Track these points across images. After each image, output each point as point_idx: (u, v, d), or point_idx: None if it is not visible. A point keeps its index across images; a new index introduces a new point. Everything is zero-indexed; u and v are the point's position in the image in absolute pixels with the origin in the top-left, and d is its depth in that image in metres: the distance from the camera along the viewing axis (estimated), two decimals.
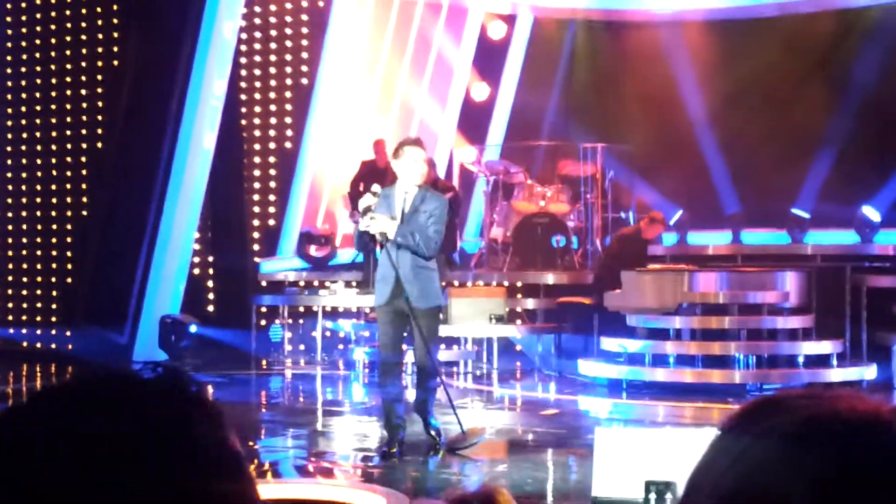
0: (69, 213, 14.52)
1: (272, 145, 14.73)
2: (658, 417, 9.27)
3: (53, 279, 14.61)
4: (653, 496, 4.95)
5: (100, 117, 14.39)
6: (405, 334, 7.26)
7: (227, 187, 14.16)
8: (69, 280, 14.45)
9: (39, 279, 14.70)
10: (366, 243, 7.18)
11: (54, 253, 14.63)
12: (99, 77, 14.41)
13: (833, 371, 10.20)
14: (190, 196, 13.26)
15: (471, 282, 12.82)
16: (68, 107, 14.56)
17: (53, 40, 14.68)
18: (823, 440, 0.80)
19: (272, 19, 14.73)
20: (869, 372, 10.41)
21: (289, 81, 14.75)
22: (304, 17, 14.70)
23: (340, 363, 12.72)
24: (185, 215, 13.24)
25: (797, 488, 0.78)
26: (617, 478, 5.18)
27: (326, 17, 14.56)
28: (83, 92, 14.51)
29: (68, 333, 13.82)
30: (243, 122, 14.66)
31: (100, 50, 14.43)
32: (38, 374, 12.03)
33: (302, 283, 13.83)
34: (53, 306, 14.55)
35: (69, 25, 14.60)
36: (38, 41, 14.82)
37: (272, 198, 14.65)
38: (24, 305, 14.70)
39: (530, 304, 12.84)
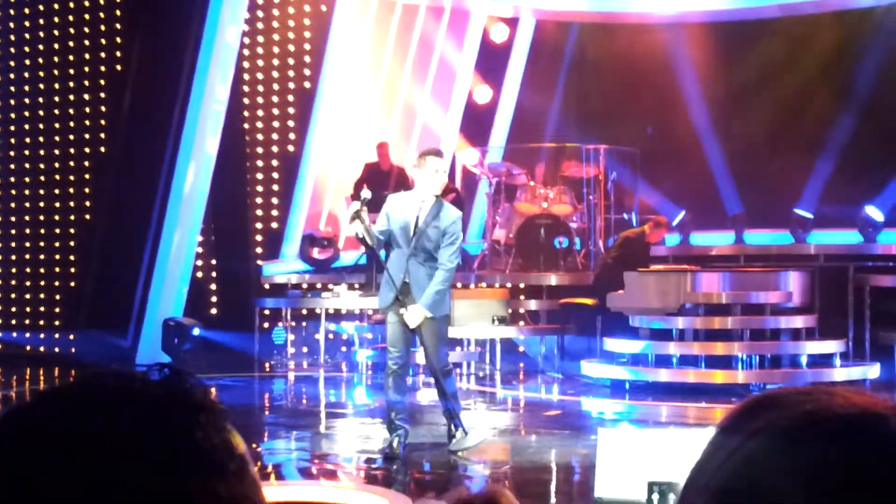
0: (72, 217, 14.54)
1: (275, 149, 14.75)
2: (661, 418, 9.27)
3: (56, 282, 14.63)
4: (656, 496, 4.95)
5: (103, 121, 14.41)
6: (413, 335, 7.29)
7: (229, 191, 14.17)
8: (72, 283, 14.46)
9: (42, 283, 14.71)
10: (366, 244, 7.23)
11: (57, 256, 14.64)
12: (102, 81, 14.43)
13: (836, 371, 10.20)
14: (193, 199, 13.27)
15: (474, 283, 12.82)
16: (71, 111, 14.58)
17: (56, 45, 14.70)
18: (818, 435, 0.80)
19: (275, 24, 14.74)
20: (872, 371, 10.41)
21: (291, 85, 14.77)
22: (307, 22, 14.71)
23: (343, 365, 12.72)
24: (187, 218, 13.25)
25: (791, 483, 0.79)
26: (620, 478, 5.18)
27: (329, 20, 14.57)
28: (86, 96, 14.53)
29: (71, 337, 13.83)
30: (246, 125, 14.68)
31: (103, 54, 14.45)
32: (42, 378, 12.04)
33: (305, 286, 13.83)
34: (56, 310, 14.56)
35: (72, 30, 14.62)
36: (41, 46, 14.84)
37: (275, 201, 14.66)
38: (28, 309, 14.72)
39: (533, 305, 12.85)
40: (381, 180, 12.86)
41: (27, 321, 14.61)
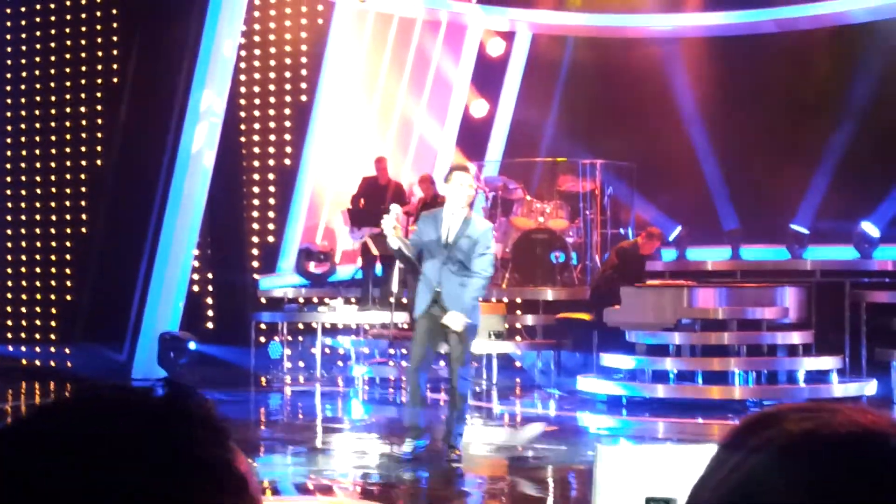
0: (68, 230, 14.52)
1: (271, 162, 14.75)
2: (658, 434, 9.25)
3: (53, 296, 14.60)
4: None
5: (99, 134, 14.41)
6: (438, 351, 7.67)
7: (226, 204, 14.16)
8: (68, 297, 14.44)
9: (39, 296, 14.68)
10: (403, 257, 7.56)
11: (53, 270, 14.62)
12: (99, 94, 14.43)
13: (833, 387, 10.18)
14: (189, 213, 13.26)
15: None
16: (68, 124, 14.58)
17: (53, 57, 14.71)
18: (819, 454, 0.79)
19: (271, 37, 14.76)
20: (869, 387, 10.40)
21: (288, 98, 14.78)
22: (304, 35, 14.73)
23: (340, 380, 12.70)
24: (184, 232, 13.23)
25: (791, 500, 0.78)
26: (617, 495, 5.17)
27: (326, 34, 14.59)
28: (83, 109, 14.54)
29: (67, 350, 13.80)
30: (243, 139, 14.68)
31: (100, 67, 14.46)
32: (38, 392, 12.00)
33: (301, 300, 13.82)
34: (53, 323, 14.53)
35: (69, 43, 14.63)
36: (37, 58, 14.85)
37: (271, 214, 14.65)
38: (24, 322, 14.69)
39: (529, 320, 12.83)
40: (378, 194, 12.86)
41: (23, 334, 14.58)
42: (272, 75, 14.78)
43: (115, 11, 14.45)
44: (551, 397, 11.27)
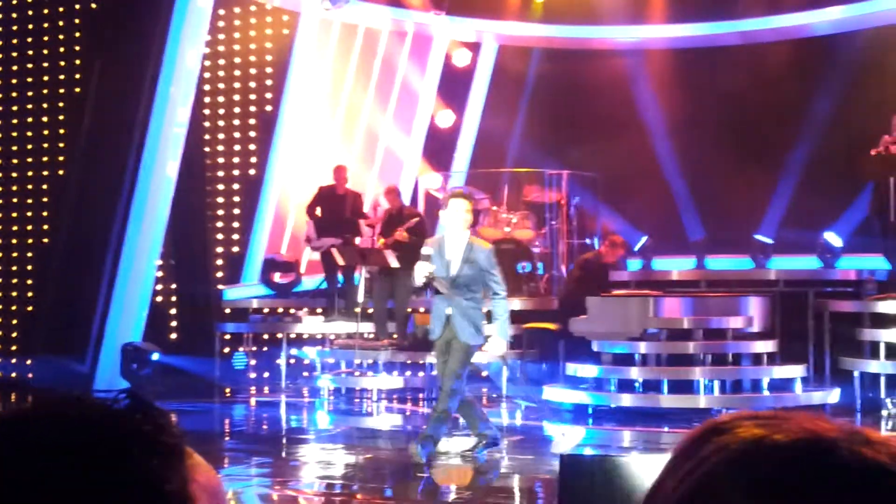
0: (30, 241, 14.38)
1: (236, 172, 14.68)
2: (624, 443, 9.27)
3: (13, 307, 14.45)
4: None
5: (62, 144, 14.28)
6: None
7: (190, 214, 14.07)
8: (29, 308, 14.29)
9: None
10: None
11: (14, 280, 14.47)
12: (61, 104, 14.31)
13: (797, 396, 10.24)
14: (152, 223, 13.17)
15: None
16: (30, 134, 14.44)
17: (15, 67, 14.57)
18: (769, 459, 0.79)
19: (236, 47, 14.71)
20: (832, 396, 10.47)
21: (252, 108, 14.72)
22: (269, 45, 14.69)
23: (305, 391, 12.64)
24: (147, 242, 13.14)
25: None
26: None
27: (290, 44, 14.56)
28: (45, 119, 14.41)
29: (29, 362, 13.65)
30: (207, 149, 14.60)
31: (62, 77, 14.34)
32: None
33: (266, 311, 13.75)
34: (13, 334, 14.37)
35: (31, 53, 14.51)
36: None
37: (236, 225, 14.58)
38: None
39: None
40: (334, 204, 12.79)
41: None
42: (237, 85, 14.72)
43: (77, 21, 14.34)
44: (517, 407, 11.27)
